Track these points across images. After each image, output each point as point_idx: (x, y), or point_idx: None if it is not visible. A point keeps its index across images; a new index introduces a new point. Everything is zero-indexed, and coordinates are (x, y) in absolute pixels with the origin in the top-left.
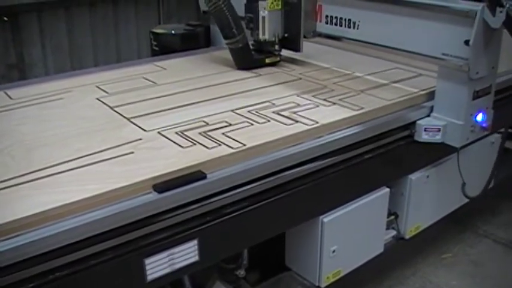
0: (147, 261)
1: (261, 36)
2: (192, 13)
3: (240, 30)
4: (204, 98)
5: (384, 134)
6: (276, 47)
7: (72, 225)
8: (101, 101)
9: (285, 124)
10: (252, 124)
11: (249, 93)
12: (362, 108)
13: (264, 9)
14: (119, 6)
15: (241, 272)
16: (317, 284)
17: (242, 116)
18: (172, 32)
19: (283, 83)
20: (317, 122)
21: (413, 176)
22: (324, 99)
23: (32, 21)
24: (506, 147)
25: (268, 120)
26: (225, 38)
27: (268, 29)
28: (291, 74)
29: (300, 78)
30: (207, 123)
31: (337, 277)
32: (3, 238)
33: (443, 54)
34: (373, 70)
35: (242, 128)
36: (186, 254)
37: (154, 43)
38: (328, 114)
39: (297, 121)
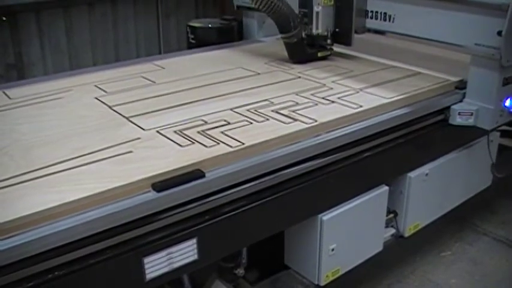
0: (146, 260)
1: (314, 31)
2: (190, 12)
3: (296, 25)
4: (202, 97)
5: (420, 118)
6: (328, 41)
7: (70, 225)
8: (100, 100)
9: (284, 123)
10: (250, 123)
11: (247, 91)
12: (361, 106)
13: (318, 4)
14: (118, 5)
15: (241, 271)
16: (316, 283)
17: (241, 114)
18: (209, 25)
19: (282, 81)
20: (316, 121)
21: (412, 174)
22: (323, 98)
23: (31, 21)
24: (505, 145)
25: (267, 119)
26: (281, 32)
27: (322, 23)
28: (289, 73)
29: (299, 77)
30: (206, 122)
31: (336, 275)
32: (2, 237)
33: (476, 44)
34: (369, 70)
35: (241, 126)
36: (185, 252)
37: (191, 36)
38: (326, 112)
39: (295, 119)
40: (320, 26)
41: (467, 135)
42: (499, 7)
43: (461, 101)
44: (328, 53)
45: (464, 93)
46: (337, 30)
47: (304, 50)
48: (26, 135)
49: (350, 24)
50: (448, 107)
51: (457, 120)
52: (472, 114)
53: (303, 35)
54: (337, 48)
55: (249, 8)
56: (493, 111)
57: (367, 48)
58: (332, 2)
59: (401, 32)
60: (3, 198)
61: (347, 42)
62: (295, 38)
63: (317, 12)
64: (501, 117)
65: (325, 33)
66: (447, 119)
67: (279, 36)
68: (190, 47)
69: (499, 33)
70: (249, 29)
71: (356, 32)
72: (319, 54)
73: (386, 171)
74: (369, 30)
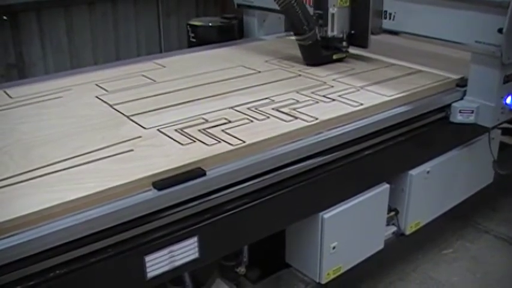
0: (147, 258)
1: (329, 33)
2: (191, 10)
3: (311, 27)
4: (203, 95)
5: (420, 116)
6: (344, 43)
7: (72, 223)
8: (100, 99)
9: (285, 121)
10: (251, 121)
11: (248, 90)
12: (361, 104)
13: (334, 6)
14: (118, 4)
15: (242, 269)
16: (318, 281)
17: (241, 112)
18: (210, 24)
19: (283, 79)
20: (316, 119)
21: (414, 172)
22: (323, 96)
23: (31, 21)
24: (506, 142)
25: (268, 117)
26: (296, 34)
27: (337, 25)
28: (290, 71)
29: (300, 75)
30: (207, 121)
31: (338, 273)
32: (2, 237)
33: (477, 41)
34: (370, 68)
35: (242, 124)
36: (186, 251)
37: (192, 35)
38: (327, 110)
39: (296, 117)
40: (335, 27)
41: (469, 133)
42: (499, 4)
43: (462, 98)
44: (344, 55)
45: (465, 91)
46: (352, 32)
47: (319, 53)
48: (26, 134)
49: (366, 25)
50: (449, 105)
51: (458, 118)
52: (473, 112)
53: (318, 37)
54: None
55: (250, 7)
56: (494, 108)
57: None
58: (348, 3)
59: (402, 30)
60: (3, 197)
61: (363, 44)
62: (310, 40)
63: (332, 14)
64: (502, 115)
65: (341, 35)
66: (448, 116)
67: (279, 34)
68: (191, 45)
69: (500, 30)
70: (250, 27)
71: (372, 33)
72: (335, 57)
73: (387, 169)
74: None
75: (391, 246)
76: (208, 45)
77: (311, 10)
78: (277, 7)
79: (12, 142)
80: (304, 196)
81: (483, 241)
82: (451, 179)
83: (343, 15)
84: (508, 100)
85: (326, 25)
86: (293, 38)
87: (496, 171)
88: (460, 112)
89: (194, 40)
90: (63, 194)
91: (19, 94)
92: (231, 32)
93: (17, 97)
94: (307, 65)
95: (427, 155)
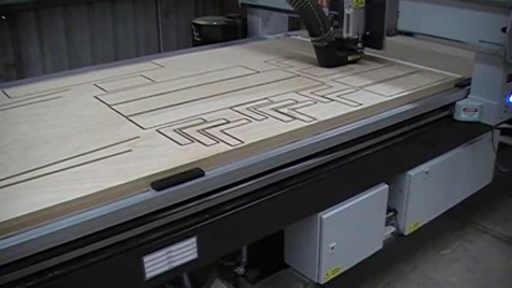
0: (146, 259)
1: (344, 34)
2: (190, 10)
3: (326, 28)
4: (202, 96)
5: (422, 115)
6: (359, 44)
7: (70, 224)
8: (99, 99)
9: (283, 121)
10: (250, 121)
11: (247, 90)
12: (360, 104)
13: (349, 6)
14: (117, 4)
15: (241, 270)
16: (316, 281)
17: (240, 113)
18: (214, 23)
19: (282, 80)
20: (315, 119)
21: (412, 172)
22: (322, 96)
23: (30, 20)
24: (505, 143)
25: (267, 117)
26: (311, 35)
27: (352, 26)
28: (289, 71)
29: (299, 75)
30: (205, 121)
31: (337, 274)
32: (1, 237)
33: (480, 41)
34: (369, 67)
35: (240, 125)
36: (185, 251)
37: (196, 34)
38: (326, 110)
39: (295, 118)
40: (351, 29)
41: (471, 131)
42: (503, 4)
43: (466, 97)
44: (358, 56)
45: (469, 90)
46: (367, 33)
47: (334, 54)
48: (25, 134)
49: (382, 26)
50: (453, 103)
51: (462, 116)
52: (476, 111)
53: (333, 38)
54: None
55: (253, 6)
56: (498, 107)
57: None
58: (363, 4)
59: (405, 29)
60: (2, 197)
61: (378, 46)
62: (325, 41)
63: (348, 15)
64: (505, 113)
65: (356, 37)
66: (452, 115)
67: (278, 34)
68: (196, 44)
69: (503, 29)
70: (253, 26)
71: (387, 35)
72: (350, 58)
73: (386, 170)
74: None
75: (390, 246)
76: (208, 45)
77: (326, 11)
78: (281, 6)
79: (11, 142)
80: (303, 196)
81: (482, 241)
82: (450, 180)
83: (358, 16)
84: (511, 98)
85: (341, 26)
86: (294, 37)
87: (500, 169)
88: (464, 110)
89: (199, 39)
90: (61, 194)
91: (17, 94)
92: (235, 31)
93: (16, 97)
94: (323, 66)
95: (426, 155)
